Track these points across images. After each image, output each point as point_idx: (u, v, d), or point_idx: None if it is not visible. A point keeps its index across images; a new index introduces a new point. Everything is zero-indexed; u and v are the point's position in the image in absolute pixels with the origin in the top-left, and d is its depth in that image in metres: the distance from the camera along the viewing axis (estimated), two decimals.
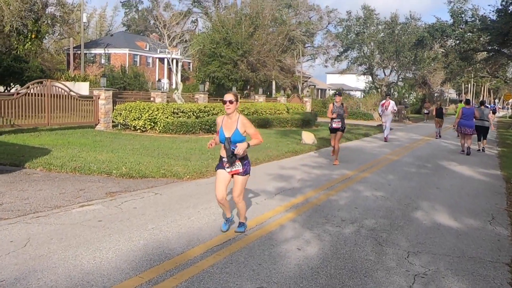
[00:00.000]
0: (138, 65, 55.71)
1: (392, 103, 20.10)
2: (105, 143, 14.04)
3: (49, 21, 50.12)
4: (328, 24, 58.28)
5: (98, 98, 18.58)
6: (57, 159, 10.43)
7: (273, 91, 48.63)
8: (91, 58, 57.11)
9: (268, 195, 7.99)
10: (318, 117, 31.05)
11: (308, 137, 16.97)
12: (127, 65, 52.82)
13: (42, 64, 47.82)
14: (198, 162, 10.91)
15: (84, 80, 48.67)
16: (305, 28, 51.44)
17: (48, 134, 15.46)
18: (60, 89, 17.42)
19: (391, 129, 21.23)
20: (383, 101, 20.63)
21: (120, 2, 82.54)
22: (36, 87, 16.83)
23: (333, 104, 12.15)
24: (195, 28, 68.24)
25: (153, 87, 52.87)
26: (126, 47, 57.02)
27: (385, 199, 8.06)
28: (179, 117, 18.58)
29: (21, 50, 47.41)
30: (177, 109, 18.71)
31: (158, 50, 58.67)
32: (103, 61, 56.19)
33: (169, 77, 61.30)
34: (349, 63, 46.69)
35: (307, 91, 62.13)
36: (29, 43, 48.75)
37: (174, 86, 57.02)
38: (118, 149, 12.64)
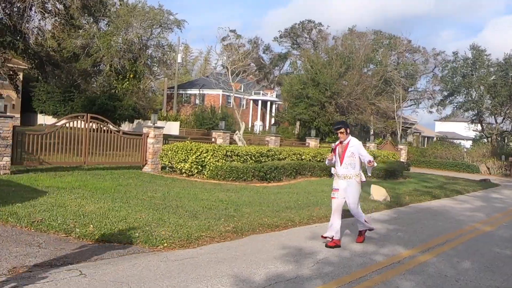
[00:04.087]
0: (231, 106, 54.92)
1: None
2: (127, 188, 11.95)
3: (147, 62, 51.16)
4: (435, 67, 53.92)
5: (147, 136, 16.80)
6: (31, 207, 8.40)
7: (371, 137, 45.00)
8: (186, 98, 57.42)
9: None
10: (412, 167, 27.20)
11: (378, 192, 13.70)
12: (220, 106, 52.23)
13: (137, 103, 48.54)
14: (202, 222, 8.32)
15: (175, 119, 48.57)
16: (404, 70, 47.55)
17: (76, 174, 13.76)
18: (101, 125, 15.86)
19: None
20: None
21: (223, 45, 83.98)
22: (74, 122, 15.37)
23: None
24: (293, 71, 66.86)
25: (245, 129, 51.67)
26: (220, 88, 56.66)
27: None
28: (233, 160, 16.21)
29: (119, 89, 48.55)
30: (231, 151, 16.37)
31: (253, 91, 57.70)
32: (197, 101, 56.20)
33: (263, 119, 59.95)
34: (455, 108, 41.95)
35: (413, 138, 57.52)
36: (127, 82, 49.93)
37: (267, 129, 55.50)
38: (131, 198, 10.44)
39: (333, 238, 7.47)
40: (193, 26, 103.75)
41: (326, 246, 7.37)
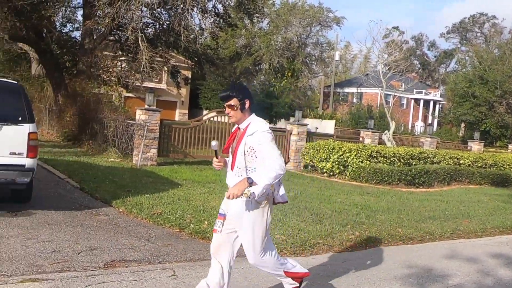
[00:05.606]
0: (390, 105, 52.66)
1: None
2: None
3: (305, 60, 51.37)
4: None
5: (290, 133, 16.47)
6: (158, 199, 8.50)
7: None
8: (343, 97, 56.45)
9: None
10: None
11: None
12: (378, 105, 50.40)
13: (294, 100, 48.96)
14: (324, 227, 7.61)
15: (331, 118, 47.97)
16: None
17: (214, 169, 13.92)
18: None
19: None
20: None
21: (385, 42, 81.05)
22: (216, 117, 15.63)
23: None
24: (461, 69, 61.97)
25: (404, 129, 49.17)
26: (379, 86, 54.65)
27: None
28: (378, 162, 15.11)
29: (277, 87, 49.47)
30: (377, 152, 15.27)
31: (415, 90, 54.65)
32: (354, 100, 54.92)
33: (424, 120, 56.48)
34: None
35: None
36: (285, 80, 50.66)
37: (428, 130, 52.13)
38: None
39: None
40: (354, 23, 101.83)
41: None
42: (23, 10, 17.18)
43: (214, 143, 3.98)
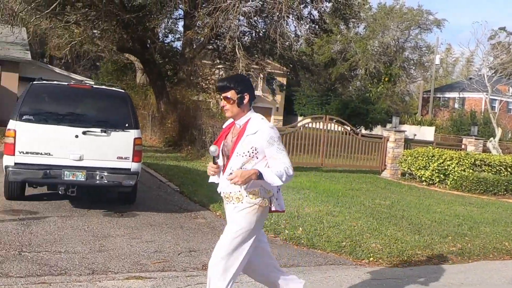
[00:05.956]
0: (495, 111, 49.57)
1: None
2: (357, 193, 11.51)
3: (402, 65, 49.82)
4: None
5: (387, 140, 16.05)
6: None
7: None
8: (444, 102, 54.00)
9: None
10: None
11: None
12: (482, 111, 47.70)
13: (390, 106, 47.66)
14: (423, 238, 7.31)
15: (430, 124, 46.07)
16: None
17: (311, 175, 13.93)
18: (340, 127, 15.76)
19: None
20: None
21: (490, 44, 76.58)
22: (313, 123, 15.61)
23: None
24: None
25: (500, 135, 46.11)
26: (483, 91, 51.62)
27: None
28: (482, 171, 14.29)
29: (373, 92, 48.39)
30: (481, 160, 14.44)
31: None
32: (456, 105, 52.33)
33: None
34: None
35: None
36: (382, 86, 49.43)
37: None
38: (356, 203, 9.96)
39: None
40: (455, 25, 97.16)
41: None
42: (130, 23, 18.31)
43: (213, 148, 3.58)
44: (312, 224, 7.52)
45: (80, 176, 6.91)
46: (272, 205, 3.59)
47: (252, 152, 3.47)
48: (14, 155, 6.85)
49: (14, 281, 4.45)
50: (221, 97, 3.58)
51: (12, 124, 6.91)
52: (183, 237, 6.47)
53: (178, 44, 27.61)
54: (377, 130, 43.94)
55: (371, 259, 6.16)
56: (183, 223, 7.23)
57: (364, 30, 48.55)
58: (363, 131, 35.16)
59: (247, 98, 3.55)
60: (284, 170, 3.40)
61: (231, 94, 3.52)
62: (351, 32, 46.25)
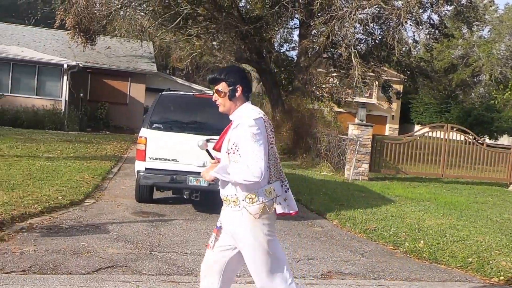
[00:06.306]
0: None
1: None
2: (482, 206, 10.80)
3: None
4: None
5: None
6: (370, 214, 8.49)
7: None
8: None
9: None
10: None
11: None
12: None
13: None
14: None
15: None
16: None
17: (430, 186, 13.36)
18: (462, 136, 14.93)
19: None
20: None
21: None
22: (434, 132, 14.96)
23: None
24: None
25: None
26: None
27: None
28: None
29: (499, 100, 45.22)
30: None
31: None
32: None
33: None
34: None
35: None
36: (509, 92, 45.97)
37: None
38: (481, 217, 9.34)
39: None
40: None
41: None
42: (247, 34, 18.90)
43: (200, 143, 3.34)
44: (434, 238, 7.20)
45: (203, 182, 7.24)
46: (278, 207, 3.22)
47: (235, 149, 3.14)
48: (145, 160, 7.38)
49: (147, 279, 4.78)
50: (214, 91, 3.36)
51: (144, 131, 7.45)
52: (301, 245, 6.52)
53: (293, 53, 27.96)
54: (503, 140, 41.01)
55: (501, 277, 5.75)
56: (301, 231, 7.29)
57: (489, 33, 45.64)
58: (487, 141, 33.05)
59: (239, 90, 3.25)
60: (244, 172, 3.03)
61: (222, 86, 3.26)
62: (474, 35, 43.74)
